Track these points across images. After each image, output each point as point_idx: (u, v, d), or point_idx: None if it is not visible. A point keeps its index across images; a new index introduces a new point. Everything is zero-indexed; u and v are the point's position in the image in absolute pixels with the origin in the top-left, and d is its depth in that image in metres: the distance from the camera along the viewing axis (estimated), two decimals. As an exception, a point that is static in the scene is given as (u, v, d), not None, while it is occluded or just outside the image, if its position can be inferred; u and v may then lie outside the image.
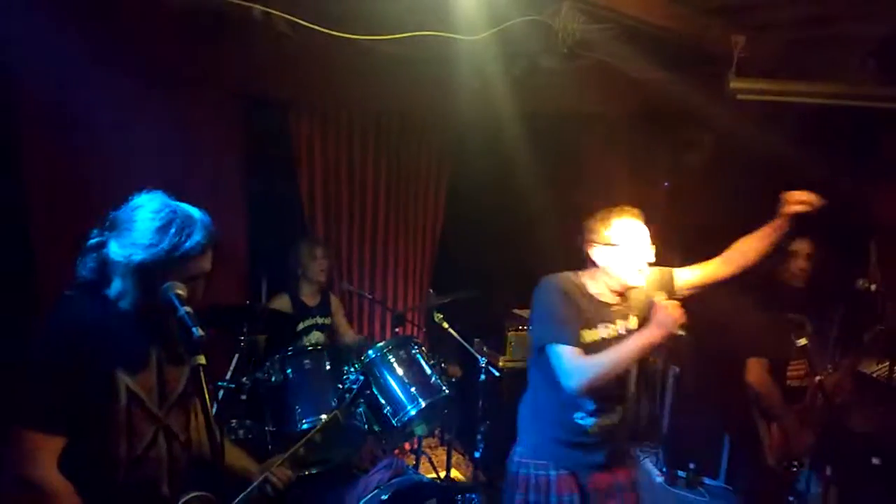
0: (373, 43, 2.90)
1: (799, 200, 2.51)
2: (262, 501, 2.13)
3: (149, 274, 1.66)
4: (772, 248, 2.60)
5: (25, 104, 3.19)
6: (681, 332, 2.26)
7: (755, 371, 3.17)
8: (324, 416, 3.12)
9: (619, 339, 2.49)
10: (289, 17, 2.80)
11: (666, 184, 4.63)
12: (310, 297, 4.13)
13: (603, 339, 2.48)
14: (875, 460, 3.10)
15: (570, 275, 2.56)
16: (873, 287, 3.00)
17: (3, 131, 3.13)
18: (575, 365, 2.33)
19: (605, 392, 2.47)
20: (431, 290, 4.34)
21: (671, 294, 2.56)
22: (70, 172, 3.25)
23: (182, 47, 3.23)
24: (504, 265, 5.12)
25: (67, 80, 3.14)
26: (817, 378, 2.79)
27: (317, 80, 3.87)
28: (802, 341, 2.68)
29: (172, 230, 1.66)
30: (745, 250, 2.61)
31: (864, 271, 3.15)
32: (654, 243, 2.46)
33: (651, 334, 2.29)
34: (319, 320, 4.13)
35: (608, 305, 2.53)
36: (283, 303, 4.00)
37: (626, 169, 4.56)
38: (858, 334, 3.46)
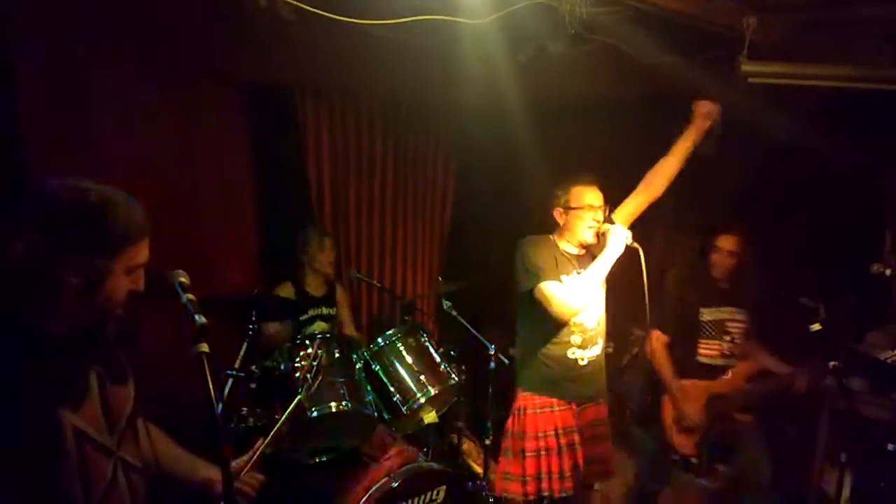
0: (377, 28, 2.87)
1: (706, 111, 3.10)
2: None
3: (83, 273, 1.40)
4: (683, 161, 3.12)
5: (24, 96, 3.17)
6: (634, 244, 2.90)
7: (651, 343, 3.50)
8: (332, 405, 3.13)
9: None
10: (293, 1, 2.77)
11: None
12: (315, 288, 4.11)
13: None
14: (890, 447, 3.07)
15: (542, 236, 3.11)
16: (888, 272, 2.96)
17: (3, 127, 3.11)
18: (561, 293, 2.89)
19: (588, 326, 3.03)
20: (440, 278, 4.32)
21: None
22: (71, 167, 3.24)
23: (184, 35, 3.21)
24: (514, 252, 5.08)
25: (66, 72, 3.14)
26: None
27: (322, 66, 3.84)
28: (816, 326, 2.65)
29: (107, 217, 1.41)
30: (664, 169, 3.12)
31: (878, 257, 3.12)
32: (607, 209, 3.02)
33: (610, 251, 2.89)
34: (324, 311, 4.11)
35: (576, 257, 3.07)
36: (286, 291, 3.98)
37: (637, 154, 4.49)
38: (872, 320, 3.43)
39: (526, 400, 3.10)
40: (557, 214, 3.08)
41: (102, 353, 1.55)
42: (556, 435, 3.01)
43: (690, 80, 3.47)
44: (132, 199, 1.50)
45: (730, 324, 3.48)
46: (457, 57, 3.42)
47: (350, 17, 2.76)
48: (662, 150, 4.49)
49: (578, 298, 2.90)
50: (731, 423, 3.45)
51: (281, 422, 2.37)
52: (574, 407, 3.08)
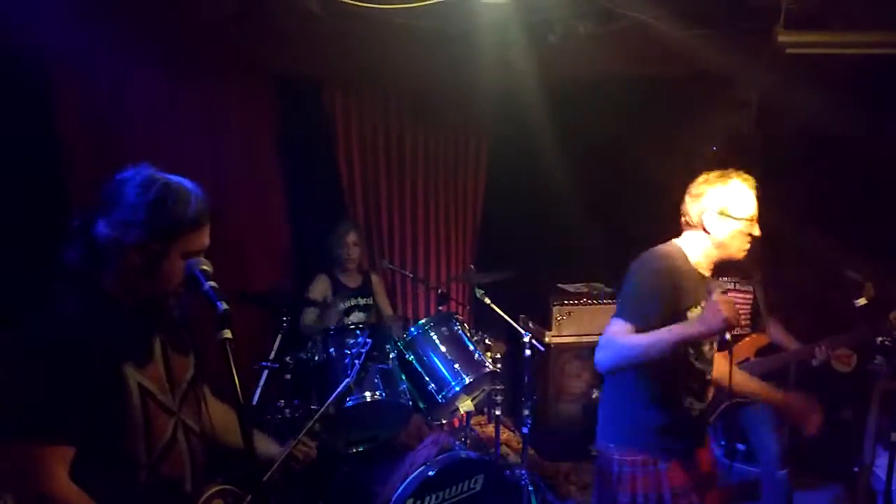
0: (400, 15, 2.86)
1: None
2: (287, 479, 2.05)
3: (146, 254, 1.55)
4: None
5: (61, 91, 3.26)
6: (727, 336, 2.10)
7: None
8: (367, 394, 3.13)
9: None
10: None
11: (714, 148, 4.47)
12: (349, 279, 4.13)
13: None
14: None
15: (671, 249, 2.36)
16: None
17: (41, 122, 3.18)
18: (609, 339, 2.18)
19: (706, 378, 2.39)
20: (472, 267, 4.29)
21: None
22: (107, 161, 3.30)
23: (211, 29, 3.23)
24: (548, 238, 5.04)
25: (101, 71, 3.20)
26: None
27: (349, 58, 3.85)
28: (862, 301, 2.55)
29: (167, 204, 1.54)
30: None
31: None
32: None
33: (693, 328, 2.12)
34: (361, 301, 4.13)
35: (704, 279, 2.35)
36: (322, 284, 4.01)
37: (672, 134, 4.41)
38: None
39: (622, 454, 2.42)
40: (709, 219, 2.29)
41: (166, 324, 1.71)
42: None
43: (724, 55, 3.38)
44: (196, 188, 1.63)
45: (731, 294, 3.45)
46: (482, 41, 3.39)
47: (370, 4, 2.74)
48: (694, 128, 4.42)
49: (620, 358, 2.17)
50: (740, 397, 3.39)
51: (330, 401, 2.48)
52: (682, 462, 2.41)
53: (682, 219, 2.38)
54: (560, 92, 4.15)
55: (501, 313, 3.85)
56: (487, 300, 3.90)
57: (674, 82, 4.20)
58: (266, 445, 2.06)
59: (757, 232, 2.31)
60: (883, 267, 3.34)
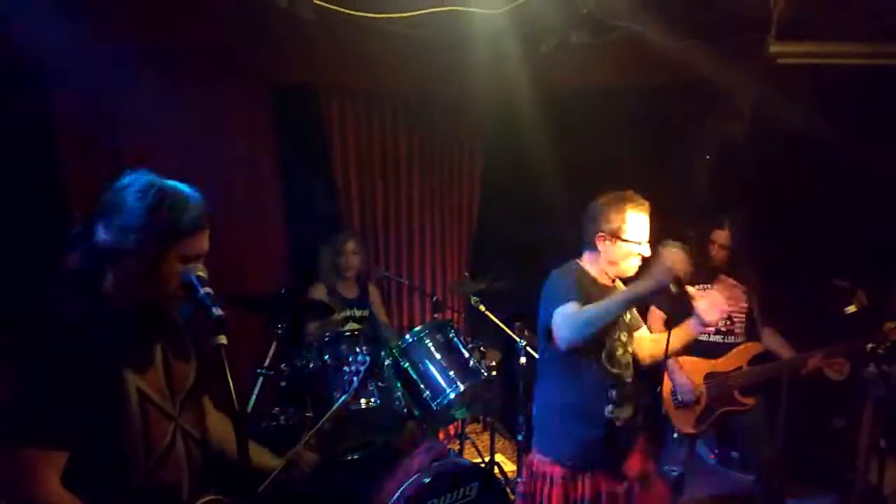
0: (396, 24, 2.88)
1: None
2: (288, 486, 2.06)
3: (144, 259, 1.54)
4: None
5: (57, 98, 3.26)
6: (673, 287, 2.21)
7: (649, 319, 3.46)
8: (362, 401, 3.14)
9: (621, 324, 2.54)
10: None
11: (707, 157, 4.50)
12: (347, 289, 4.12)
13: (613, 323, 2.48)
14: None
15: (572, 264, 2.60)
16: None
17: (38, 129, 3.19)
18: (571, 315, 2.33)
19: (625, 381, 2.51)
20: (467, 274, 4.30)
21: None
22: (105, 166, 3.31)
23: (208, 36, 3.25)
24: (543, 246, 5.05)
25: (96, 76, 3.20)
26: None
27: (344, 66, 3.87)
28: (851, 309, 2.58)
29: (164, 209, 1.54)
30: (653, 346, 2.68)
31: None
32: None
33: (644, 283, 2.28)
34: (357, 312, 4.12)
35: (606, 287, 2.56)
36: (319, 292, 4.00)
37: (665, 143, 4.44)
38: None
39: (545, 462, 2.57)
40: (600, 241, 2.51)
41: (168, 330, 1.72)
42: None
43: (716, 66, 3.42)
44: (194, 193, 1.63)
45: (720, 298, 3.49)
46: (477, 51, 3.41)
47: (366, 13, 2.77)
48: (687, 139, 4.45)
49: (590, 324, 2.29)
50: (733, 405, 3.46)
51: (329, 414, 2.48)
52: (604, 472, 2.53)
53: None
54: (553, 101, 4.18)
55: (496, 321, 3.87)
56: (482, 307, 3.92)
57: (667, 92, 4.22)
58: (262, 457, 2.05)
59: (648, 253, 2.46)
60: (878, 274, 3.37)
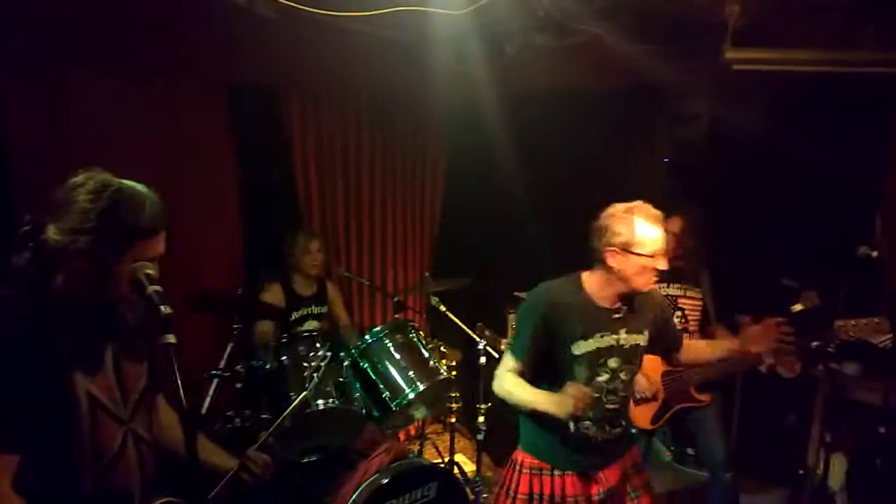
0: (355, 23, 2.86)
1: (754, 337, 2.53)
2: (241, 490, 2.01)
3: (96, 261, 1.50)
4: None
5: (8, 96, 3.16)
6: (570, 426, 2.32)
7: None
8: (320, 402, 3.11)
9: (612, 349, 2.41)
10: (272, -1, 2.76)
11: (666, 159, 4.58)
12: (304, 287, 4.09)
13: (598, 349, 2.39)
14: (881, 429, 3.07)
15: (562, 284, 2.44)
16: (875, 254, 2.95)
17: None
18: (499, 375, 2.40)
19: (603, 404, 2.43)
20: (427, 275, 4.30)
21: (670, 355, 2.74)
22: (56, 166, 3.22)
23: (162, 36, 3.18)
24: (504, 247, 5.08)
25: (50, 76, 3.12)
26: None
27: (303, 65, 3.82)
28: (798, 307, 2.65)
29: (120, 211, 1.51)
30: (700, 355, 2.78)
31: (868, 241, 3.12)
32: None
33: (550, 404, 2.24)
34: (315, 310, 4.09)
35: (609, 312, 2.41)
36: (275, 292, 3.95)
37: (624, 146, 4.50)
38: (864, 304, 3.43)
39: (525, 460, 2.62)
40: (611, 256, 2.31)
41: (119, 332, 1.67)
42: None
43: (673, 70, 3.48)
44: (151, 194, 1.59)
45: (681, 300, 3.55)
46: (440, 51, 3.41)
47: (327, 11, 2.74)
48: (646, 141, 4.53)
49: (502, 393, 2.37)
50: (689, 401, 3.50)
51: (289, 410, 2.49)
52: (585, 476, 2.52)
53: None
54: (517, 103, 4.20)
55: (456, 321, 3.87)
56: (443, 308, 3.92)
57: (628, 95, 4.28)
58: (220, 457, 2.02)
59: (663, 266, 2.31)
60: (828, 275, 3.46)
